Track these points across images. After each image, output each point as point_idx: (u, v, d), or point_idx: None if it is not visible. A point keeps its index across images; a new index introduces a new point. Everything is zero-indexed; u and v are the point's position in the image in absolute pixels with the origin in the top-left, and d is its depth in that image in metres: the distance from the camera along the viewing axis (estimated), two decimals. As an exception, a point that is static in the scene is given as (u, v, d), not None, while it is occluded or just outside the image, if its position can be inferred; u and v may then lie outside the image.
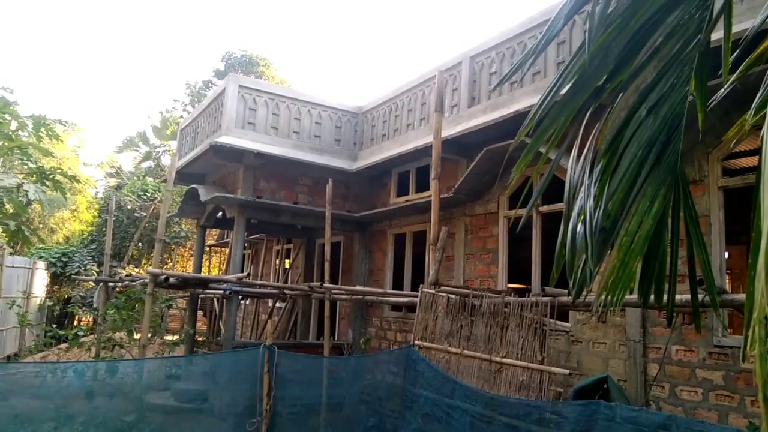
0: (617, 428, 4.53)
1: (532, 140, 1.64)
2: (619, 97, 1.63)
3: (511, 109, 8.04)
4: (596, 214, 1.55)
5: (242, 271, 10.99)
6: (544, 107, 1.61)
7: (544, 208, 8.12)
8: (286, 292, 10.85)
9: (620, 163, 1.57)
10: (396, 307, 10.57)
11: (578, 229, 1.64)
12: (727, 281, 8.70)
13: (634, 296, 1.98)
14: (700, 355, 6.04)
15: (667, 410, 6.07)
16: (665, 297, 1.81)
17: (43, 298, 17.93)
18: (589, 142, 1.73)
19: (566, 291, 5.91)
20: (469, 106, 9.31)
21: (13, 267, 15.24)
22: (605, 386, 6.19)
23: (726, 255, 7.54)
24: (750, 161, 7.92)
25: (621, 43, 1.54)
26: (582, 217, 1.61)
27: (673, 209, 1.65)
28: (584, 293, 1.88)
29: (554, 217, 7.33)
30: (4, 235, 12.46)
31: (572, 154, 1.77)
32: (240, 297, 12.09)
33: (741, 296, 4.24)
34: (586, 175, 1.64)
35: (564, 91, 1.63)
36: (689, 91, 1.60)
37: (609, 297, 1.68)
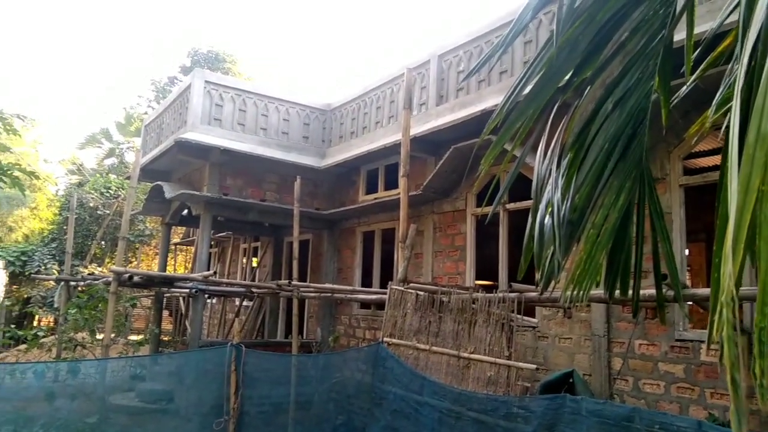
0: (583, 421, 4.60)
1: (499, 134, 1.64)
2: (587, 90, 1.65)
3: (478, 107, 8.10)
4: (564, 207, 1.56)
5: (208, 270, 10.84)
6: (511, 101, 1.62)
7: (511, 206, 8.20)
8: (254, 290, 10.74)
9: (587, 156, 1.58)
10: (365, 304, 10.55)
11: (546, 221, 1.65)
12: (687, 277, 8.93)
13: (600, 291, 2.01)
14: (663, 348, 6.18)
15: (631, 403, 6.20)
16: (630, 290, 1.84)
17: (0, 298, 17.39)
18: (556, 135, 1.74)
19: (533, 287, 5.98)
20: (437, 105, 9.34)
21: (-32, 266, 14.74)
22: (571, 380, 6.30)
23: (686, 252, 7.74)
24: (708, 161, 8.13)
25: (588, 36, 1.56)
26: (550, 209, 1.62)
27: (638, 203, 1.67)
28: (551, 287, 1.90)
29: (521, 214, 7.41)
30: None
31: (539, 148, 1.78)
32: (206, 296, 11.92)
33: (702, 291, 4.35)
34: (554, 167, 1.65)
35: (531, 84, 1.64)
36: (653, 86, 1.62)
37: (576, 290, 1.70)
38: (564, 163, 1.64)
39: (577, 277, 1.67)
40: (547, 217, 1.64)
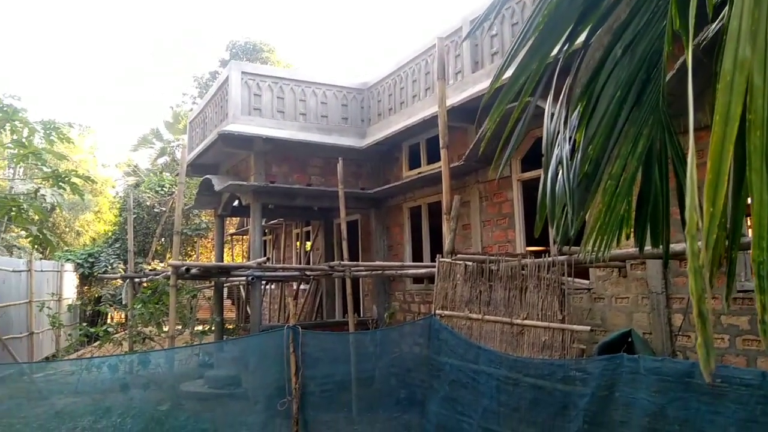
0: (642, 380, 4.51)
1: (502, 92, 1.60)
2: (593, 38, 1.59)
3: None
4: (574, 160, 1.52)
5: (263, 257, 11.11)
6: (509, 57, 1.57)
7: (557, 168, 8.02)
8: (308, 273, 10.96)
9: (598, 106, 1.53)
10: (418, 279, 10.60)
11: (558, 177, 1.61)
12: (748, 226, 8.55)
13: (631, 245, 1.94)
14: (725, 301, 5.96)
15: (695, 359, 6.02)
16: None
17: (73, 299, 18.34)
18: (564, 88, 1.69)
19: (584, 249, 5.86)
20: (473, 72, 9.18)
21: (41, 271, 15.57)
22: (629, 340, 6.17)
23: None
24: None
25: (589, -17, 1.50)
26: (561, 165, 1.58)
27: (660, 149, 1.61)
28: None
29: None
30: (28, 240, 12.73)
31: (547, 102, 1.73)
32: (263, 282, 12.22)
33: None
34: (562, 121, 1.60)
35: (532, 39, 1.59)
36: (666, 26, 1.54)
37: (598, 244, 1.66)
38: (573, 116, 1.59)
39: (598, 230, 1.63)
40: (559, 172, 1.60)
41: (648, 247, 1.94)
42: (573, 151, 1.56)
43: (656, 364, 4.49)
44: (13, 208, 9.47)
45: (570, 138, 1.57)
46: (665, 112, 1.57)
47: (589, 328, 5.84)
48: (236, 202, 12.39)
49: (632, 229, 1.80)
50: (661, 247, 1.77)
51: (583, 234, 2.14)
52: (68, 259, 19.48)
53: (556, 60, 1.67)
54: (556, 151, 1.61)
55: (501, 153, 2.01)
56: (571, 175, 1.51)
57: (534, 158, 8.25)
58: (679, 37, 1.65)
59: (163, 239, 20.75)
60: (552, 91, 1.75)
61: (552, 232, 7.95)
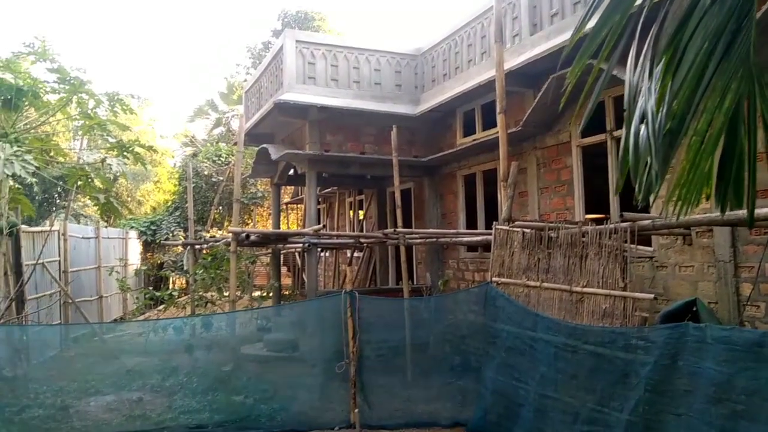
0: (708, 349, 4.38)
1: (583, 46, 1.54)
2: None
3: (576, 31, 7.62)
4: (659, 114, 1.45)
5: (318, 225, 11.28)
6: (591, 8, 1.50)
7: (618, 133, 7.75)
8: (362, 241, 11.06)
9: (684, 58, 1.46)
10: (471, 247, 10.55)
11: (641, 131, 1.55)
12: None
13: (697, 212, 1.86)
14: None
15: (765, 329, 5.82)
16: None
17: (138, 265, 19.17)
18: (648, 39, 1.61)
19: (646, 215, 5.70)
20: (531, 34, 8.91)
21: (108, 238, 16.31)
22: (694, 309, 5.99)
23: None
24: None
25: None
26: (644, 118, 1.52)
27: (748, 103, 1.53)
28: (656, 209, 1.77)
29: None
30: (95, 208, 13.30)
31: (630, 54, 1.65)
32: (319, 249, 12.43)
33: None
34: (646, 74, 1.53)
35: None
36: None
37: (680, 203, 1.60)
38: (658, 68, 1.52)
39: (681, 188, 1.57)
40: (642, 127, 1.54)
41: (723, 213, 1.86)
42: (657, 105, 1.50)
43: (724, 333, 4.35)
44: (82, 178, 9.90)
45: (654, 91, 1.51)
46: (756, 64, 1.49)
47: (651, 296, 5.70)
48: (292, 171, 12.56)
49: (713, 190, 1.72)
50: (744, 208, 1.69)
51: (646, 201, 2.07)
52: (132, 227, 20.30)
53: (640, 10, 1.59)
54: (639, 102, 1.55)
55: (581, 111, 1.94)
56: (657, 127, 1.45)
57: (594, 124, 8.00)
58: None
59: (220, 207, 21.31)
60: (635, 44, 1.68)
61: (613, 198, 7.74)
